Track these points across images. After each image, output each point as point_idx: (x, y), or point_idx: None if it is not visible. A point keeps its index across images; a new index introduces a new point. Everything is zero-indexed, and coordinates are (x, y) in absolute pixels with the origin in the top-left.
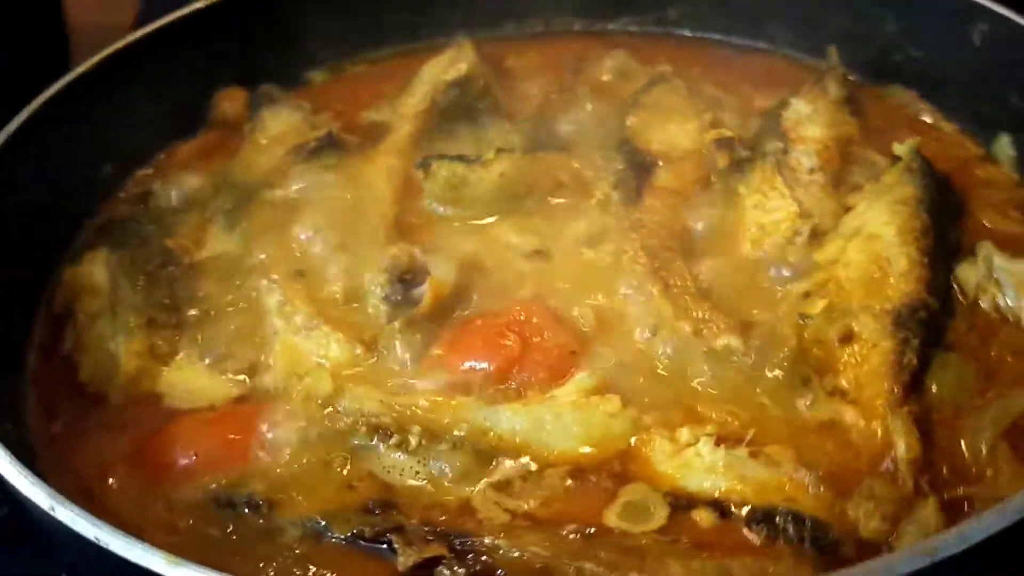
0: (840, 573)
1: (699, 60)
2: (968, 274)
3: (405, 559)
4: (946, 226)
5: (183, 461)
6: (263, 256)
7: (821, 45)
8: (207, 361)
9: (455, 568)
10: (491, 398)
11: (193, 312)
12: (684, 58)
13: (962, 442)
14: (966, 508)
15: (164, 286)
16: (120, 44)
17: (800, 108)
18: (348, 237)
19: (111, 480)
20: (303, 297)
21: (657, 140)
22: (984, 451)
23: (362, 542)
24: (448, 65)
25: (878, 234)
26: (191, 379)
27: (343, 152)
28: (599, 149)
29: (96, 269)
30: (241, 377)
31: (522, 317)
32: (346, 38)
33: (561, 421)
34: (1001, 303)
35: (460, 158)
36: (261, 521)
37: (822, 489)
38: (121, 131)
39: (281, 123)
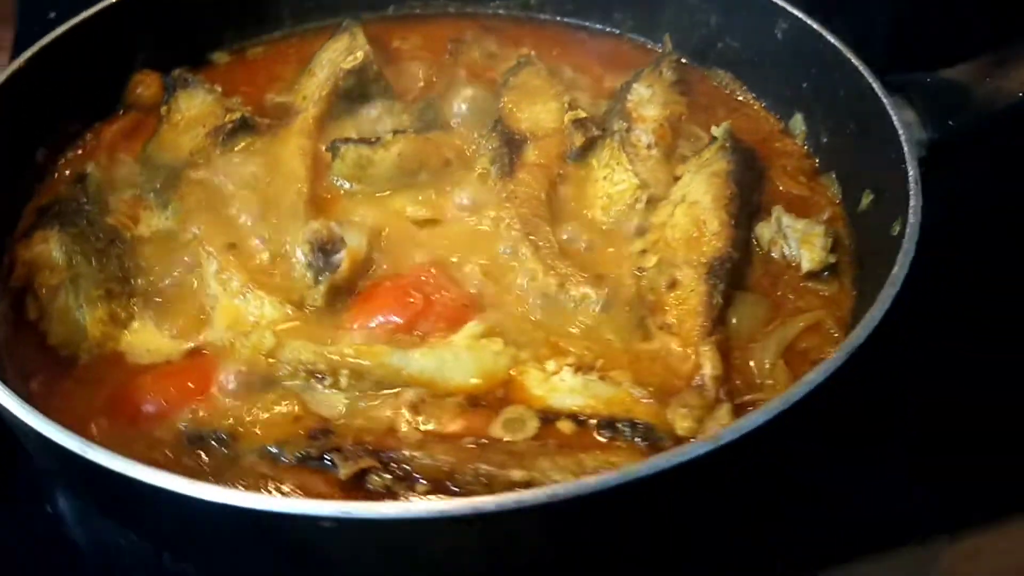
0: (659, 455)
1: (557, 42)
2: (764, 231)
3: (345, 471)
4: (751, 192)
5: (152, 408)
6: (196, 231)
7: (658, 32)
8: (161, 325)
9: (383, 475)
10: (402, 344)
11: (142, 282)
12: (545, 40)
13: (751, 361)
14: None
15: (114, 260)
16: (47, 40)
17: (641, 91)
18: (271, 212)
19: (93, 427)
20: (236, 266)
21: (525, 120)
22: (767, 367)
23: (310, 461)
24: (345, 52)
25: (698, 201)
26: (148, 340)
27: (256, 133)
28: (477, 128)
29: (51, 248)
30: (190, 337)
31: (423, 278)
32: (245, 22)
33: (457, 360)
34: (787, 252)
35: (364, 141)
36: (226, 451)
37: (651, 401)
38: (49, 117)
39: (196, 105)
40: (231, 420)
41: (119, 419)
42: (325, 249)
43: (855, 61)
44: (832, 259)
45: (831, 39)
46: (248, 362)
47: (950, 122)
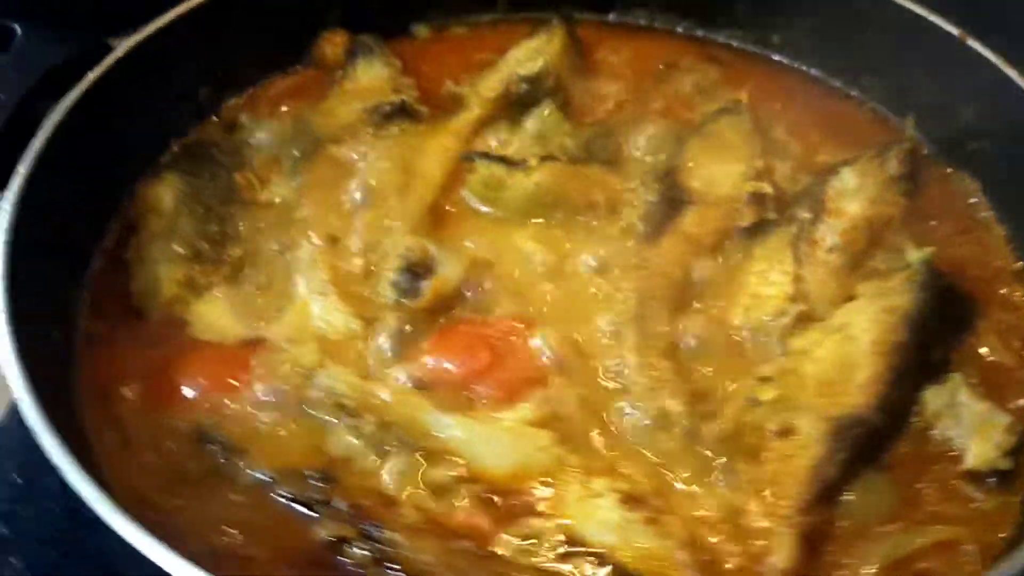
0: None
1: (785, 93)
2: (933, 398)
3: (325, 532)
4: (934, 344)
5: (189, 391)
6: (307, 212)
7: (906, 109)
8: (234, 302)
9: (361, 550)
10: (444, 401)
11: (236, 251)
12: (772, 87)
13: (844, 559)
14: None
15: (217, 222)
16: None
17: (847, 179)
18: (388, 211)
19: (126, 390)
20: (327, 263)
21: (700, 178)
22: None
23: (296, 504)
24: (533, 53)
25: (855, 337)
26: (216, 315)
27: (414, 121)
28: (645, 173)
29: (165, 192)
30: (254, 325)
31: (501, 334)
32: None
33: (494, 442)
34: (951, 435)
35: (503, 159)
36: (223, 461)
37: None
38: (223, 59)
39: (370, 76)
40: (246, 430)
41: (153, 391)
42: (415, 271)
43: None
44: (1006, 464)
45: None
46: (285, 376)
47: None
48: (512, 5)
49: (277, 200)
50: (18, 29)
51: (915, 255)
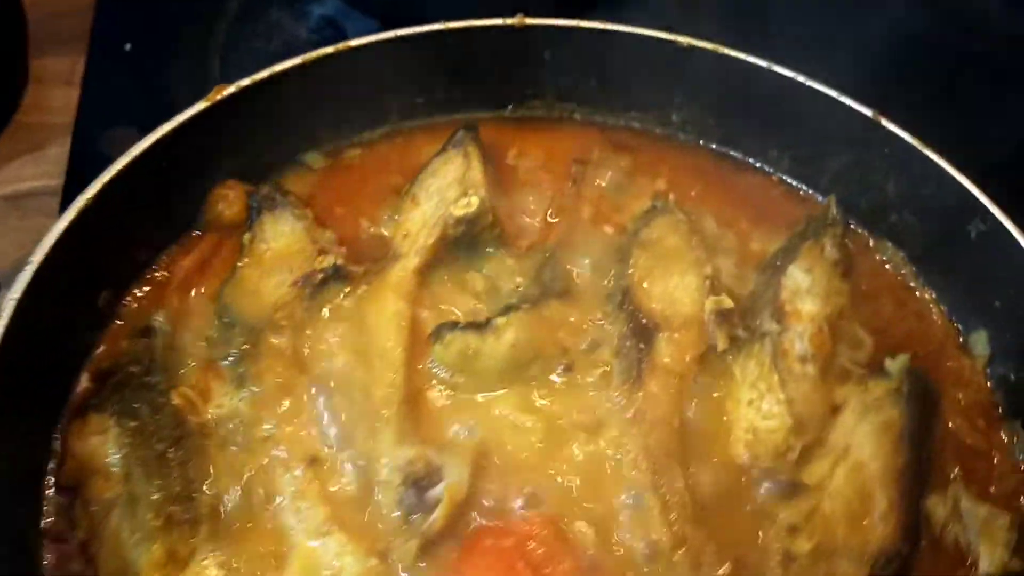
0: None
1: (699, 177)
2: (937, 508)
3: None
4: (927, 451)
5: None
6: (273, 431)
7: (819, 179)
8: (227, 566)
9: None
10: None
11: (209, 495)
12: (684, 171)
13: None
14: None
15: (176, 471)
16: (117, 168)
17: (798, 278)
18: (359, 409)
19: None
20: (317, 492)
21: (657, 298)
22: None
23: None
24: (456, 185)
25: (863, 463)
26: None
27: (349, 283)
28: (601, 299)
29: (108, 447)
30: None
31: (527, 540)
32: (343, 116)
33: None
34: (962, 541)
35: (472, 326)
36: None
37: None
38: (115, 250)
39: (284, 235)
40: None
41: None
42: (420, 485)
43: None
44: (1018, 566)
45: None
46: None
47: None
48: (404, 115)
49: (226, 415)
50: None
51: (893, 365)
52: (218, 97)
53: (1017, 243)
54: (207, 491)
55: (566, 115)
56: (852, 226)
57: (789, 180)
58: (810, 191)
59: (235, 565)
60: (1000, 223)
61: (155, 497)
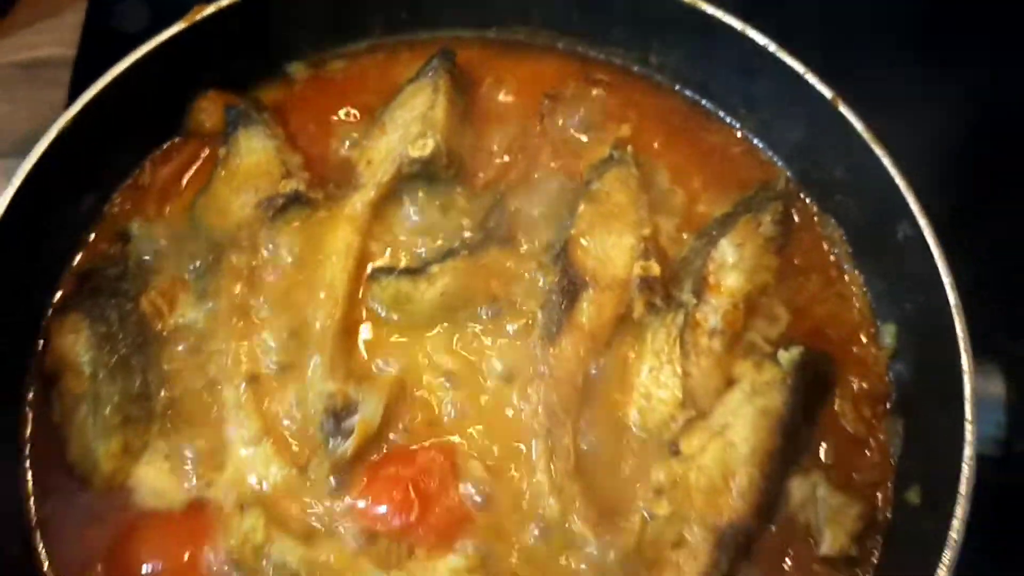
0: None
1: (665, 126)
2: (797, 490)
3: None
4: (801, 436)
5: (149, 568)
6: (223, 345)
7: (781, 147)
8: (172, 458)
9: None
10: (385, 556)
11: (164, 395)
12: (652, 117)
13: None
14: None
15: (138, 374)
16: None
17: (727, 251)
18: (301, 333)
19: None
20: (254, 408)
21: (593, 256)
22: None
23: None
24: (419, 121)
25: (735, 444)
26: (156, 478)
27: (309, 208)
28: (540, 250)
29: (80, 346)
30: (195, 482)
31: (425, 471)
32: (328, 27)
33: None
34: (812, 523)
35: (407, 272)
36: None
37: None
38: (101, 155)
39: (254, 152)
40: None
41: (116, 571)
42: (338, 415)
43: (958, 327)
44: (854, 551)
45: (946, 280)
46: (237, 550)
47: None
48: (388, 30)
49: (187, 324)
50: None
51: (785, 357)
52: (206, 10)
53: (932, 259)
54: (163, 394)
55: (548, 43)
56: (804, 196)
57: (754, 140)
58: (771, 155)
59: (180, 461)
60: (923, 234)
61: (116, 399)
